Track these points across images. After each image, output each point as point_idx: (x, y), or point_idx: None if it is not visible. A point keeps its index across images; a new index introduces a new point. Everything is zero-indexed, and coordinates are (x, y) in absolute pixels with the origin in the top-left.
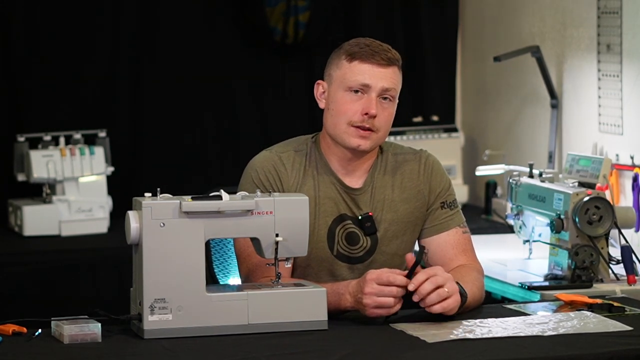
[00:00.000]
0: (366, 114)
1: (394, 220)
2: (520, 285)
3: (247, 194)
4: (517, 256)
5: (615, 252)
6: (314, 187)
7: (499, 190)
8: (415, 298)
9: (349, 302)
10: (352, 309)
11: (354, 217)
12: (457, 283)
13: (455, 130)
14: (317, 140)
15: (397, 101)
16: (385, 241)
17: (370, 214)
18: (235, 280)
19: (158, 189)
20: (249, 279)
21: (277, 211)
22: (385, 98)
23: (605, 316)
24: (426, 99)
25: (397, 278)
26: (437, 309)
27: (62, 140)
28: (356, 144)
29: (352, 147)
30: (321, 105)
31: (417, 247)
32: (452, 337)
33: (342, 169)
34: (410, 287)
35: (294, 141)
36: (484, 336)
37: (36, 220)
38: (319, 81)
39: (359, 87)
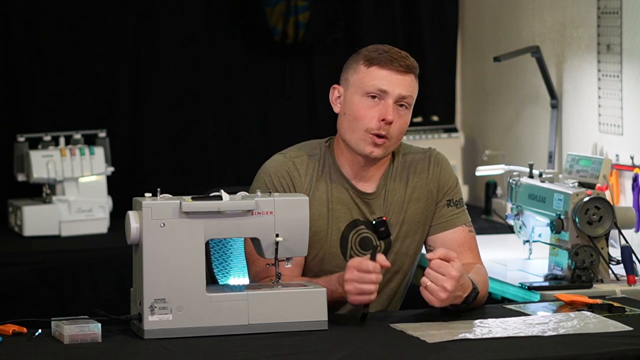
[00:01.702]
0: (383, 120)
1: (405, 221)
2: (520, 285)
3: (247, 194)
4: (517, 256)
5: (615, 252)
6: (327, 192)
7: (499, 191)
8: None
9: (338, 292)
10: (341, 297)
11: (368, 221)
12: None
13: (455, 130)
14: (331, 145)
15: (412, 110)
16: (397, 242)
17: (384, 218)
18: (235, 280)
19: (158, 189)
20: (256, 281)
21: (277, 211)
22: (401, 105)
23: (605, 316)
24: (426, 99)
25: (370, 265)
26: (423, 292)
27: (62, 140)
28: (369, 151)
29: (364, 154)
30: (336, 109)
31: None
32: (452, 337)
33: (355, 174)
34: (429, 256)
35: (307, 145)
36: (484, 336)
37: (36, 220)
38: (335, 85)
39: (376, 92)
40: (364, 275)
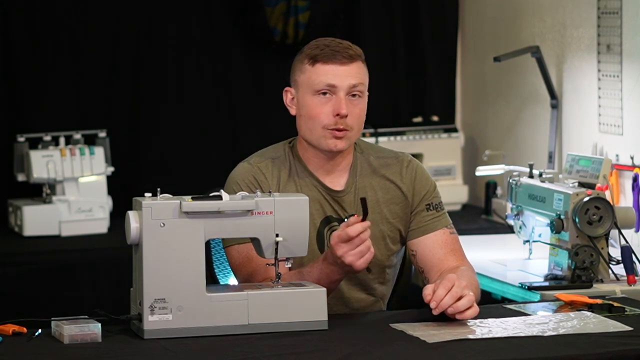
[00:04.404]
0: (337, 114)
1: (377, 222)
2: (520, 285)
3: (247, 194)
4: (517, 256)
5: (615, 252)
6: (297, 192)
7: (499, 191)
8: (436, 312)
9: (338, 274)
10: (341, 275)
11: (340, 218)
12: None
13: (455, 130)
14: (294, 145)
15: (366, 96)
16: (374, 241)
17: (355, 216)
18: (235, 280)
19: (158, 189)
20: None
21: (277, 211)
22: (354, 95)
23: (605, 316)
24: (426, 99)
25: (355, 229)
26: (469, 314)
27: (62, 140)
28: (332, 145)
29: (328, 149)
30: (292, 112)
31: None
32: (452, 337)
33: (322, 170)
34: (433, 305)
35: (270, 149)
36: (484, 336)
37: (36, 220)
38: (287, 88)
39: (325, 88)
40: (352, 242)
